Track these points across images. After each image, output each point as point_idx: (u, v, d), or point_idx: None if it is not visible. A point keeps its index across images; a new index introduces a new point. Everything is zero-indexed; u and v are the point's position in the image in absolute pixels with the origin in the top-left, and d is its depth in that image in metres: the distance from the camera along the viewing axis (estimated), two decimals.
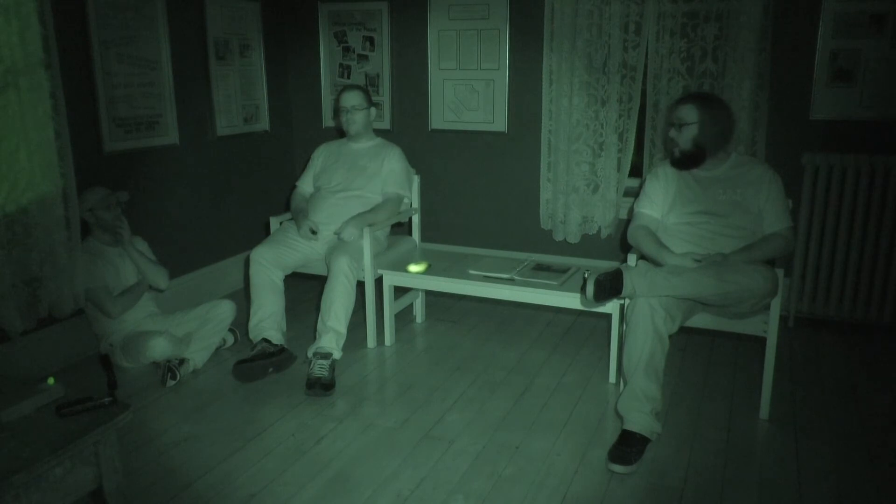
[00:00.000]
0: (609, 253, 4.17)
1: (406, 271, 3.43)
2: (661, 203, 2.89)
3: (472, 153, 4.41)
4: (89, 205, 3.09)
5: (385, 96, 4.52)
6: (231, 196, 4.30)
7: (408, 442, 2.64)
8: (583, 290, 2.53)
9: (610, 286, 2.51)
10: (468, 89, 4.32)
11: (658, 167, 2.97)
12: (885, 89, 3.47)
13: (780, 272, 2.67)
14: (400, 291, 3.67)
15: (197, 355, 3.21)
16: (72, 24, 3.18)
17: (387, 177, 3.51)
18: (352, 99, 3.48)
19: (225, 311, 3.28)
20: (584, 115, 3.98)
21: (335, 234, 3.35)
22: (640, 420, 2.51)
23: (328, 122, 4.68)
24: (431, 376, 3.19)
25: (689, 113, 2.73)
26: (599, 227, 4.11)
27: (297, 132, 4.82)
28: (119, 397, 2.09)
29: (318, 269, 3.45)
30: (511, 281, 3.25)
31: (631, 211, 3.08)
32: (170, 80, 3.70)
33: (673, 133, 2.79)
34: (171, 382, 3.06)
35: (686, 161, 2.80)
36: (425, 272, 3.41)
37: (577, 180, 4.07)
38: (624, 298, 2.69)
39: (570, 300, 3.12)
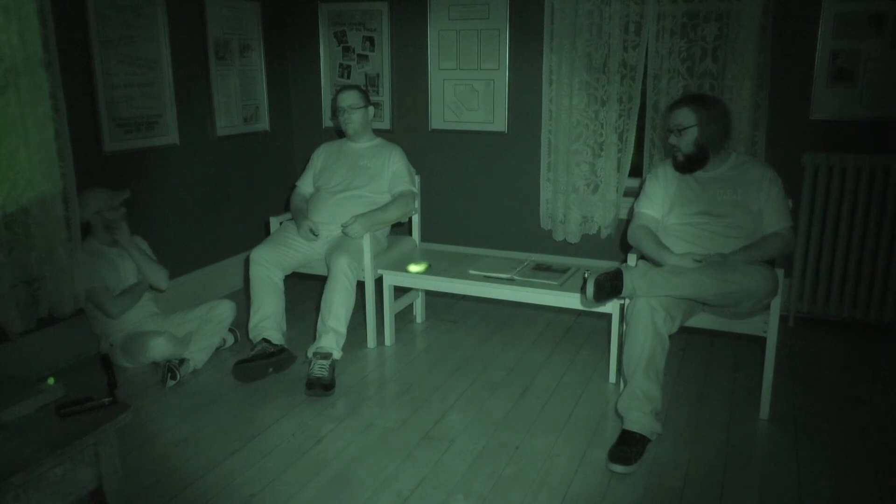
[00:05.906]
0: (609, 253, 4.17)
1: (406, 271, 3.43)
2: (660, 203, 2.89)
3: (472, 153, 4.41)
4: (95, 208, 3.09)
5: (385, 96, 4.52)
6: (231, 196, 4.30)
7: (408, 442, 2.64)
8: (583, 290, 2.54)
9: (610, 286, 2.51)
10: (468, 89, 4.32)
11: (658, 167, 2.97)
12: (885, 89, 3.47)
13: (780, 272, 2.67)
14: (400, 291, 3.66)
15: (197, 355, 3.21)
16: (72, 24, 3.18)
17: (394, 177, 3.52)
18: (347, 99, 3.48)
19: (225, 311, 3.28)
20: (584, 115, 3.98)
21: (342, 227, 3.33)
22: (640, 420, 2.51)
23: (328, 122, 4.68)
24: (431, 376, 3.19)
25: (687, 117, 2.72)
26: (599, 227, 4.11)
27: (297, 132, 4.82)
28: (119, 397, 2.09)
29: (318, 269, 3.45)
30: (511, 281, 3.25)
31: (631, 211, 3.08)
32: (170, 80, 3.70)
33: (673, 139, 2.78)
34: (171, 382, 3.06)
35: (691, 164, 2.79)
36: (425, 272, 3.41)
37: (577, 180, 4.07)
38: (624, 298, 2.69)
39: (570, 300, 3.12)
